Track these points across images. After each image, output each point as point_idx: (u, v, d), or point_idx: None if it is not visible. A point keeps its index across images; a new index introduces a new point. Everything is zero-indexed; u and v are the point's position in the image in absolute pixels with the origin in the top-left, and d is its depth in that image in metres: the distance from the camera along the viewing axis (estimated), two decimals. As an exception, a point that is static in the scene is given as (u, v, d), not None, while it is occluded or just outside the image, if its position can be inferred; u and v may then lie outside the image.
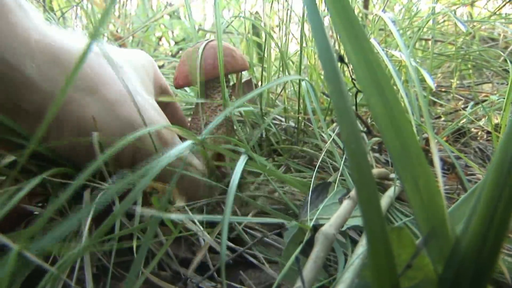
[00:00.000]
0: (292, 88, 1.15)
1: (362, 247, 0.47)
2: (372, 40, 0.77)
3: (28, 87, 0.49)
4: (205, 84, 0.78)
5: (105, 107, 0.55)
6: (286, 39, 1.11)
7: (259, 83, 1.05)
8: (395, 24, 0.58)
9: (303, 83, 0.86)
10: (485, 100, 1.30)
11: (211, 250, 0.57)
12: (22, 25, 0.48)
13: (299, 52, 0.95)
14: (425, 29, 1.28)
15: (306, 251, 0.49)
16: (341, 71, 1.15)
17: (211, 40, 0.80)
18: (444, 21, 1.55)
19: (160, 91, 0.74)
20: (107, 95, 0.56)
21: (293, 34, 1.21)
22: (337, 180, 0.65)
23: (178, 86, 0.78)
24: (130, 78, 0.62)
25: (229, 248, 0.58)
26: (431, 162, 0.97)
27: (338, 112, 0.26)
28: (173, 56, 1.92)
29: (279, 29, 1.14)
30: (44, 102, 0.50)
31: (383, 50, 0.63)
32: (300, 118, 0.94)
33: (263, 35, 1.08)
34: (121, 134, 0.55)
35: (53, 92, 0.50)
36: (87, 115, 0.54)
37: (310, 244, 0.47)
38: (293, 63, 1.38)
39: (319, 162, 0.72)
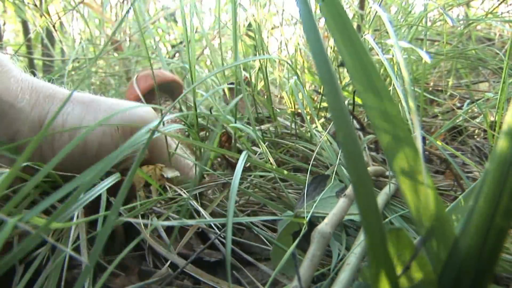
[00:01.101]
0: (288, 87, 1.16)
1: (357, 245, 0.47)
2: (367, 36, 0.77)
3: (20, 118, 0.59)
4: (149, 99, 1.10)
5: (81, 111, 0.63)
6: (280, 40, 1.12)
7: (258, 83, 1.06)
8: (389, 19, 0.59)
9: (291, 81, 0.86)
10: (480, 99, 1.30)
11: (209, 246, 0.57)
12: (12, 71, 0.61)
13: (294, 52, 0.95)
14: (420, 28, 1.29)
15: (301, 245, 0.49)
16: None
17: (144, 71, 1.15)
18: (440, 20, 1.55)
19: None
20: (82, 99, 0.64)
21: (286, 39, 1.21)
22: (333, 174, 0.65)
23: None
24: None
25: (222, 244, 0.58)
26: (429, 161, 0.97)
27: (334, 113, 0.26)
28: (171, 58, 1.92)
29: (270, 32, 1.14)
30: (34, 129, 0.60)
31: (377, 44, 0.63)
32: (289, 116, 0.95)
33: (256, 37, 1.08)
34: (103, 131, 0.63)
35: (40, 117, 0.61)
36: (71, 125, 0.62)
37: (306, 238, 0.47)
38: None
39: (313, 159, 0.73)
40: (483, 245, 0.26)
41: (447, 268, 0.28)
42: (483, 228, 0.26)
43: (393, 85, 0.61)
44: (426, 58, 0.60)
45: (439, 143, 0.76)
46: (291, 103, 0.96)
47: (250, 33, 1.45)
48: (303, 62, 1.18)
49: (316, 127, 0.85)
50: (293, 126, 0.98)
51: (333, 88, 0.27)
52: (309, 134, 0.96)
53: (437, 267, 0.28)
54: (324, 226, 0.47)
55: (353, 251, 0.46)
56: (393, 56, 0.83)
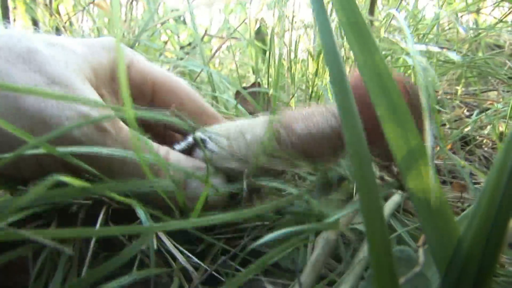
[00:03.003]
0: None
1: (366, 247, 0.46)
2: (388, 35, 0.77)
3: None
4: None
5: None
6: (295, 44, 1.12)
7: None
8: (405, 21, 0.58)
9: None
10: (489, 108, 1.29)
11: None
12: None
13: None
14: (430, 36, 1.28)
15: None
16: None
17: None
18: (449, 28, 1.55)
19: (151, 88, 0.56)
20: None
21: (308, 39, 1.21)
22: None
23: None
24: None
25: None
26: (436, 171, 0.96)
27: (342, 111, 0.26)
28: (181, 59, 1.91)
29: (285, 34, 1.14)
30: None
31: (388, 50, 0.63)
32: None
33: (268, 40, 1.08)
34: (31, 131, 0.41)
35: None
36: None
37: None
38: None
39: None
40: (487, 242, 0.26)
41: (450, 268, 0.27)
42: (487, 226, 0.26)
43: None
44: (455, 57, 0.59)
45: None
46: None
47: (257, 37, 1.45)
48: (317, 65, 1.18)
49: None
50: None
51: (343, 86, 0.26)
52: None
53: (441, 269, 0.28)
54: (330, 231, 0.47)
55: (363, 250, 0.45)
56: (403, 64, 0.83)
